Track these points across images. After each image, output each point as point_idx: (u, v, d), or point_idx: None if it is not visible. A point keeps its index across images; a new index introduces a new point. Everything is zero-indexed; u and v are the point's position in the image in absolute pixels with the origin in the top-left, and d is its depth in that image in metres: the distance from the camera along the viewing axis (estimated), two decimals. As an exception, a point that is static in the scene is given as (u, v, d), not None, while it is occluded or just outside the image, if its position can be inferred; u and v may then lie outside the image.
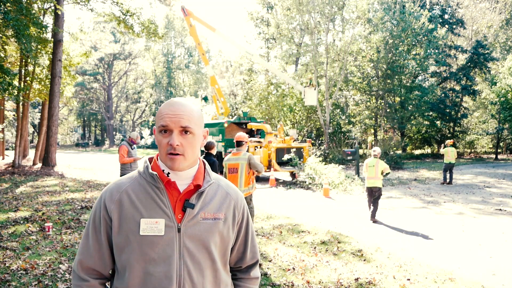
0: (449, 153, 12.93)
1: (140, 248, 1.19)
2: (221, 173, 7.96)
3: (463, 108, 29.71)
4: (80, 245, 1.31)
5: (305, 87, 17.22)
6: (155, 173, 1.23)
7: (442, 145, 14.69)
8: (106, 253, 1.27)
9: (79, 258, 1.28)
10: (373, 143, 28.38)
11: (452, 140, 14.02)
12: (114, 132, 52.37)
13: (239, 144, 5.22)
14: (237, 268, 1.41)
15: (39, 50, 15.34)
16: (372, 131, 29.62)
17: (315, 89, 16.92)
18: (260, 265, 4.61)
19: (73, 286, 1.28)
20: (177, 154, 1.20)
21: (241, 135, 5.28)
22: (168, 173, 1.24)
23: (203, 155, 5.62)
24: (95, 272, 1.28)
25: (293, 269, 4.61)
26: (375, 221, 7.49)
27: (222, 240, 1.28)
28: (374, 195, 7.58)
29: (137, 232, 1.19)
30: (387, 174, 7.61)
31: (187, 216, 1.22)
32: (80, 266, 1.27)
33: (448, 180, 13.14)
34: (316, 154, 15.67)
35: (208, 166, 1.36)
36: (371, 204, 7.66)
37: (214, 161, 5.52)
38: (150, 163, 1.29)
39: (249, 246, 1.40)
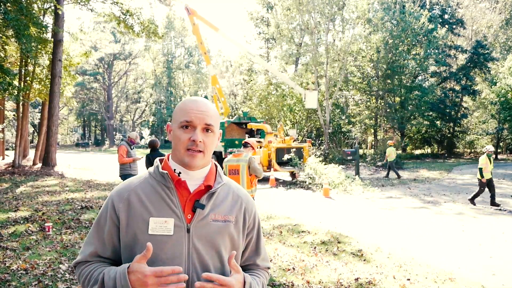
0: (392, 153, 14.80)
1: None
2: None
3: (463, 108, 29.72)
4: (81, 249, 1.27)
5: (305, 89, 17.25)
6: (165, 172, 1.20)
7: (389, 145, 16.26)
8: (109, 252, 1.22)
9: (77, 260, 1.25)
10: (373, 143, 28.40)
11: (393, 142, 16.51)
12: (114, 132, 52.34)
13: (245, 145, 5.29)
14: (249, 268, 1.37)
15: (39, 50, 15.33)
16: (372, 131, 29.62)
17: (314, 89, 16.94)
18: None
19: (81, 277, 1.21)
20: (198, 151, 1.18)
21: (250, 140, 5.45)
22: (179, 172, 1.22)
23: (149, 152, 5.71)
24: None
25: (293, 269, 4.61)
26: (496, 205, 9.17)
27: (233, 244, 1.25)
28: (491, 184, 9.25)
29: (145, 231, 1.15)
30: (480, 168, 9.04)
31: (197, 217, 1.18)
32: (77, 264, 1.24)
33: (397, 175, 14.94)
34: (316, 154, 15.68)
35: (220, 168, 1.33)
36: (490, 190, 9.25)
37: (159, 156, 5.58)
38: (161, 164, 1.27)
39: (261, 253, 1.38)
